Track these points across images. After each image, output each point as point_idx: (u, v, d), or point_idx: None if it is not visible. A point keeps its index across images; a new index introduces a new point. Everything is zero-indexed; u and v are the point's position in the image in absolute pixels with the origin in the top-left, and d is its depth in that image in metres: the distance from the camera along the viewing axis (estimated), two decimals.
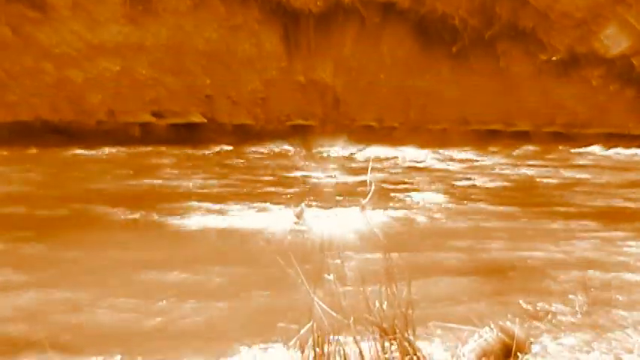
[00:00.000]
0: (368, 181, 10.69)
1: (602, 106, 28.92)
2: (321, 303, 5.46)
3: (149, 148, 23.71)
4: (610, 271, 8.08)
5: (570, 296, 7.14)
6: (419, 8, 28.03)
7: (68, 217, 11.45)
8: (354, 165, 19.54)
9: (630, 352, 6.02)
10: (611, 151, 26.65)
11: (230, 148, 24.79)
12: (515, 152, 25.53)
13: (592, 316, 6.69)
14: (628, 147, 27.82)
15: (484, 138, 27.93)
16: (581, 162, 22.62)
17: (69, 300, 7.41)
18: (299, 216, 10.47)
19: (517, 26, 28.38)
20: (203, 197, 12.74)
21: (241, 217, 11.29)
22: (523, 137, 28.46)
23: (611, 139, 28.45)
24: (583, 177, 17.18)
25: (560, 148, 27.33)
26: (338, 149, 25.17)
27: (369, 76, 28.35)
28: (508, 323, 5.18)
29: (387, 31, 28.24)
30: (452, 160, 22.44)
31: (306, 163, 16.79)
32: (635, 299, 7.12)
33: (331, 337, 4.98)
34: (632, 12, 27.92)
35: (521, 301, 6.91)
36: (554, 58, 28.40)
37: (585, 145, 27.96)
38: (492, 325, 5.22)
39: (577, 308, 6.80)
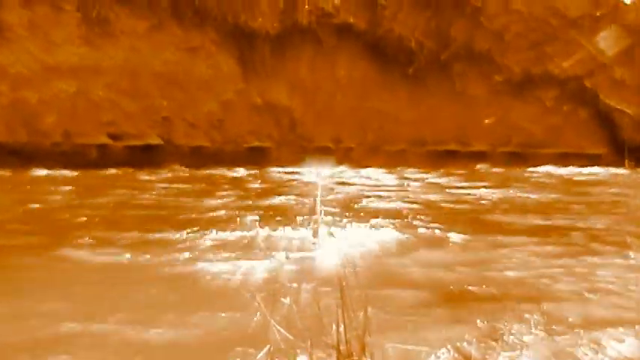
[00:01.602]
0: (319, 204, 10.72)
1: (557, 127, 29.25)
2: (277, 326, 5.44)
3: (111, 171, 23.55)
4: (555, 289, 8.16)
5: (526, 315, 7.18)
6: (375, 30, 28.17)
7: None
8: (311, 186, 19.53)
9: None
10: (564, 170, 26.94)
11: (186, 169, 24.73)
12: (470, 172, 25.70)
13: (549, 335, 6.73)
14: (582, 166, 28.15)
15: (442, 158, 28.10)
16: (533, 180, 22.82)
17: None
18: (315, 234, 10.42)
19: (473, 48, 28.62)
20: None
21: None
22: (479, 157, 28.68)
23: (566, 158, 28.78)
24: (532, 196, 17.38)
25: (516, 168, 27.56)
26: (296, 170, 25.15)
27: (325, 98, 28.43)
28: (464, 344, 5.18)
29: (343, 52, 28.36)
30: (407, 179, 22.52)
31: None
32: (587, 314, 7.18)
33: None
34: (584, 33, 28.28)
35: (478, 321, 6.94)
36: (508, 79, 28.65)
37: (540, 165, 28.24)
38: (449, 347, 5.23)
39: (532, 327, 6.83)
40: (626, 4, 27.97)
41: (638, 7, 28.08)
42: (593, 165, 28.32)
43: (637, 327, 6.72)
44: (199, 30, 26.90)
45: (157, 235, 11.11)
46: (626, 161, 28.46)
